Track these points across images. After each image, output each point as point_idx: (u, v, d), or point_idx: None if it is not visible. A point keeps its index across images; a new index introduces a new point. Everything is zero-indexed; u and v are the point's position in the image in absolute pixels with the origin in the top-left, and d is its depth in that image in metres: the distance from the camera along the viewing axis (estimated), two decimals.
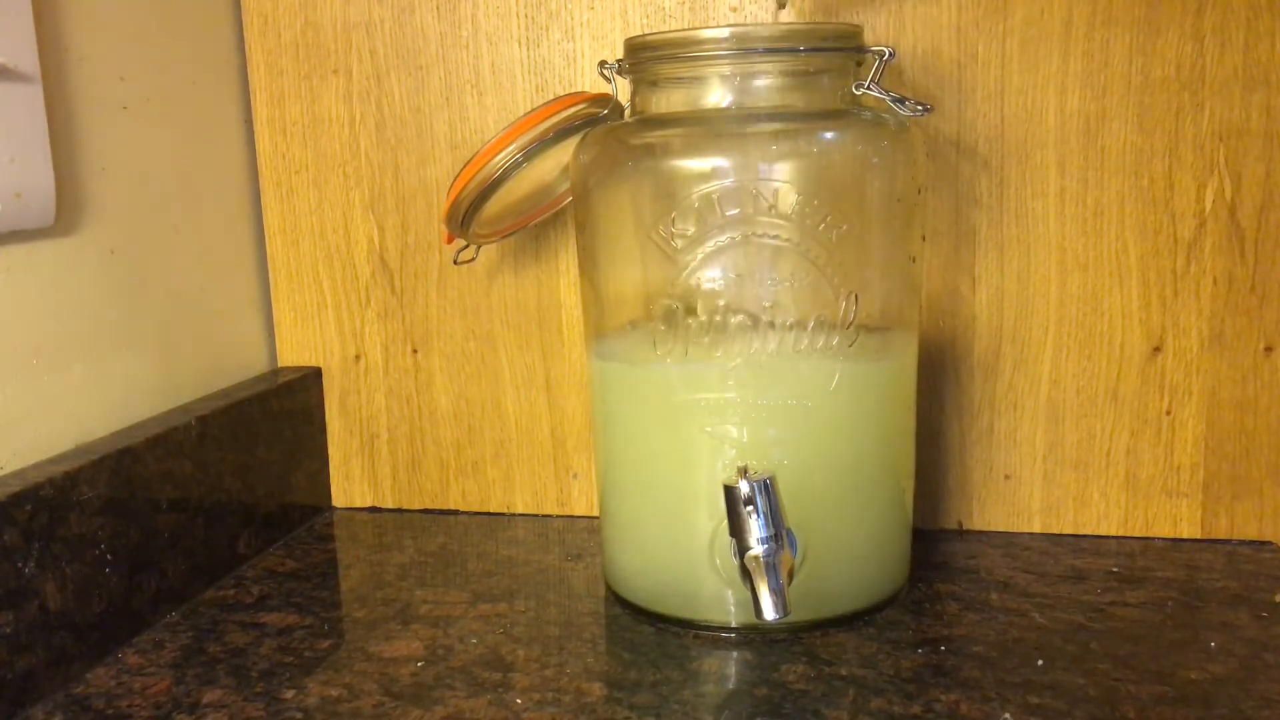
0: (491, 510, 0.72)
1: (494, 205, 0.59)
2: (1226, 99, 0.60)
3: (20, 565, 0.48)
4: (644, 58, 0.54)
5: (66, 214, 0.56)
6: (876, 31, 0.62)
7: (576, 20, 0.66)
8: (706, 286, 0.51)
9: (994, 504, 0.66)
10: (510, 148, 0.56)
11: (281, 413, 0.69)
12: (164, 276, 0.64)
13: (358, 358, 0.72)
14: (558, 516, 0.71)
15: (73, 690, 0.50)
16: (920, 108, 0.53)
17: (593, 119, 0.56)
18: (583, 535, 0.68)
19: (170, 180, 0.65)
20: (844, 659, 0.51)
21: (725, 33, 0.52)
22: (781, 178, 0.51)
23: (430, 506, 0.73)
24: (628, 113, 0.57)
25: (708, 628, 0.54)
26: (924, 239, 0.61)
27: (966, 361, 0.65)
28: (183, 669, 0.52)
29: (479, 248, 0.66)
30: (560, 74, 0.66)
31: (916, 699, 0.48)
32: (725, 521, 0.50)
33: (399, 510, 0.73)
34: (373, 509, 0.74)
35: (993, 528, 0.66)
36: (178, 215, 0.65)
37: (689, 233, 0.51)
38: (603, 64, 0.57)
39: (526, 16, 0.66)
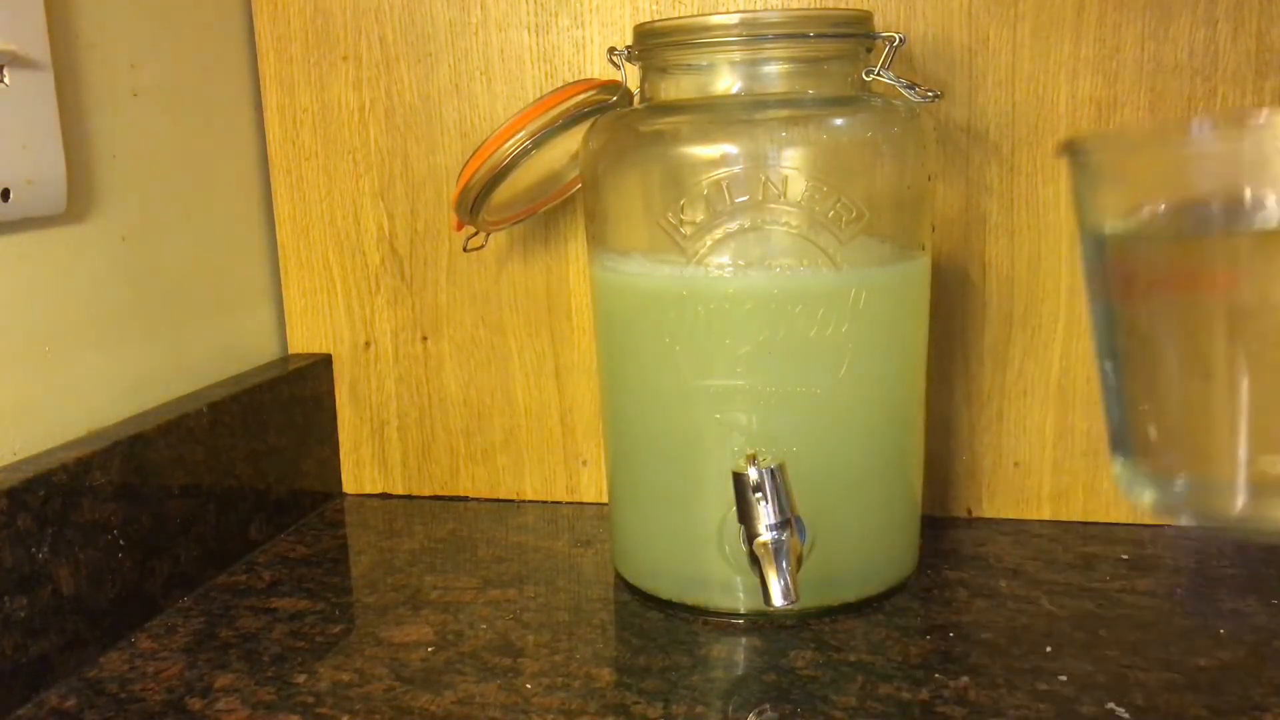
0: (501, 497, 0.72)
1: (503, 192, 0.59)
2: (1239, 85, 0.59)
3: (34, 550, 0.49)
4: (653, 44, 0.54)
5: (77, 201, 0.57)
6: (887, 17, 0.62)
7: (585, 6, 0.65)
8: (715, 273, 0.51)
9: (1003, 491, 0.66)
10: (519, 135, 0.56)
11: (292, 399, 0.69)
12: (175, 263, 0.64)
13: (368, 345, 0.72)
14: (567, 503, 0.71)
15: (86, 674, 0.51)
16: (930, 94, 0.53)
17: (602, 106, 0.56)
18: (592, 522, 0.68)
19: (181, 167, 0.65)
20: (852, 645, 0.51)
21: (735, 19, 0.52)
22: (791, 164, 0.50)
23: (440, 493, 0.73)
24: (637, 99, 0.56)
25: (716, 614, 0.54)
26: (934, 229, 0.61)
27: (976, 349, 0.65)
28: (195, 653, 0.52)
29: (488, 235, 0.66)
30: (569, 60, 0.66)
31: (925, 685, 0.48)
32: (734, 508, 0.50)
33: (409, 496, 0.74)
34: (383, 495, 0.74)
35: (1002, 515, 0.66)
36: (188, 202, 0.65)
37: (698, 219, 0.51)
38: (612, 50, 0.57)
39: (535, 2, 0.66)
